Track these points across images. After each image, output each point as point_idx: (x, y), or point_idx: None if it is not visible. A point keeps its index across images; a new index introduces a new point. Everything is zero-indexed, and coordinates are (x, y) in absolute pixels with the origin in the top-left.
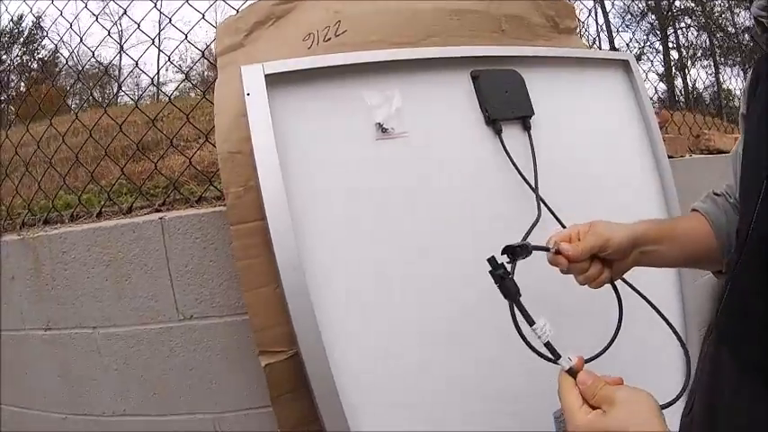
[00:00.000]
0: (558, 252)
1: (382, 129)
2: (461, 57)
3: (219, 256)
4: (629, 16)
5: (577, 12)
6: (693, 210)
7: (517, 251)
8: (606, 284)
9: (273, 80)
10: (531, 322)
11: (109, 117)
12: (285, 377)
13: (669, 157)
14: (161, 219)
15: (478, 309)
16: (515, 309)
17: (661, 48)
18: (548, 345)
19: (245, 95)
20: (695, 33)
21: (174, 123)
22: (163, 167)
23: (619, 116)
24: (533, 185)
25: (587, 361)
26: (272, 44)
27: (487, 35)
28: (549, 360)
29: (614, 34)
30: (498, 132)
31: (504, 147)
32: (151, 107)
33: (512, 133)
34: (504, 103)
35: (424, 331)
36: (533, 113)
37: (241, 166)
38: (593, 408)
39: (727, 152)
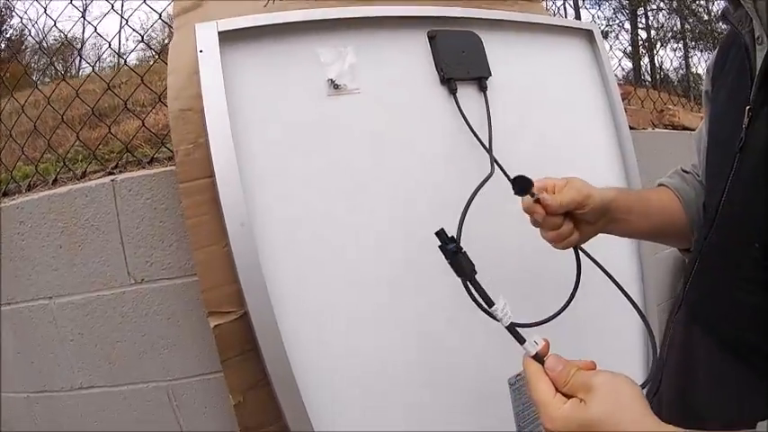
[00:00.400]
0: (537, 201)
1: (334, 85)
2: (418, 16)
3: (170, 217)
4: None
5: None
6: (661, 185)
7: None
8: (568, 251)
9: (227, 37)
10: (489, 303)
11: (69, 86)
12: (235, 339)
13: (631, 128)
14: (112, 181)
15: (428, 267)
16: (475, 289)
17: (629, 27)
18: (511, 328)
19: (198, 53)
20: (666, 16)
21: (132, 89)
22: (118, 132)
23: (580, 85)
24: (487, 145)
25: (540, 323)
26: (228, 4)
27: None
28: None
29: (581, 9)
30: (453, 92)
31: (458, 106)
32: (110, 75)
33: (467, 94)
34: (460, 64)
35: (376, 283)
36: (490, 75)
37: (191, 123)
38: (568, 397)
39: (693, 129)
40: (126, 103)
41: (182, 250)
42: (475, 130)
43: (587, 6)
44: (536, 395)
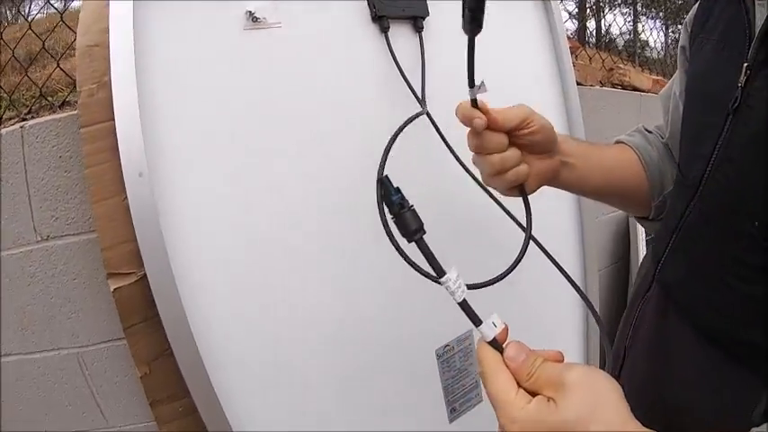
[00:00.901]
0: (475, 105)
1: (253, 18)
2: None
3: (74, 165)
4: None
5: None
6: (619, 142)
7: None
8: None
9: None
10: (440, 272)
11: None
12: (137, 303)
13: (578, 84)
14: (21, 127)
15: (354, 224)
16: (423, 254)
17: None
18: (464, 304)
19: None
20: None
21: (64, 35)
22: (43, 77)
23: (527, 35)
24: (419, 95)
25: (487, 284)
26: None
27: None
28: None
29: None
30: (384, 30)
31: (389, 45)
32: (42, 20)
33: (401, 33)
34: (395, 0)
35: (292, 241)
36: (427, 14)
37: (98, 60)
38: (532, 394)
39: (643, 91)
40: (44, 46)
41: (86, 203)
42: (407, 73)
43: None
44: (493, 390)
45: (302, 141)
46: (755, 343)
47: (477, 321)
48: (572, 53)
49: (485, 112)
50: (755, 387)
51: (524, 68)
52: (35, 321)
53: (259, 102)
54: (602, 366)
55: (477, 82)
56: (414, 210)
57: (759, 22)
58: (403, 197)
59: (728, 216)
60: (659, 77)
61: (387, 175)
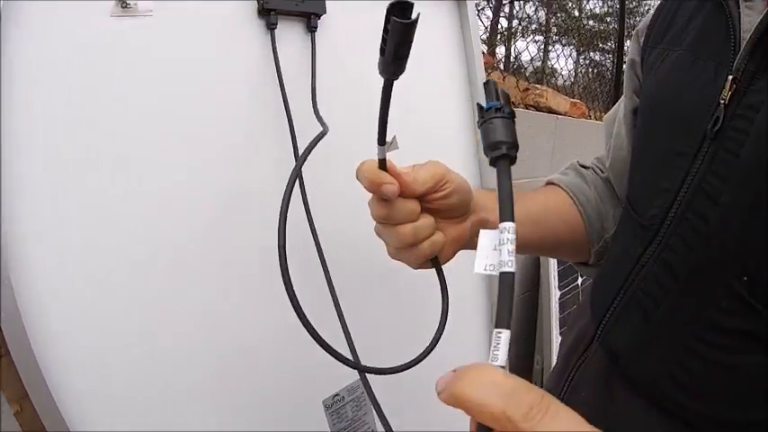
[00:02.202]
0: (383, 166)
1: (123, 3)
2: None
3: None
4: None
5: None
6: (550, 183)
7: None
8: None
9: None
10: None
11: None
12: None
13: None
14: None
15: (218, 241)
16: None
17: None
18: (506, 282)
19: None
20: (534, 8)
21: None
22: None
23: (438, 46)
24: (311, 99)
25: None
26: None
27: None
28: None
29: None
30: (271, 27)
31: (273, 46)
32: None
33: (292, 32)
34: None
35: (151, 259)
36: (324, 12)
37: None
38: None
39: (559, 113)
40: None
41: None
42: (295, 78)
43: None
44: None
45: (170, 146)
46: (751, 422)
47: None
48: (486, 69)
49: (395, 175)
50: None
51: (431, 82)
52: None
53: (116, 100)
54: None
55: (388, 138)
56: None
57: (747, 27)
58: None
59: (705, 269)
60: (577, 101)
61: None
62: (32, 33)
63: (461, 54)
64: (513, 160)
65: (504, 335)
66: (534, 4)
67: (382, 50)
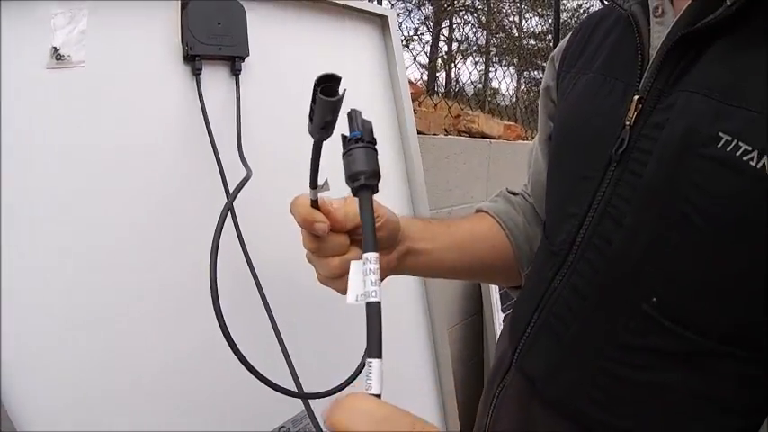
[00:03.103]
0: (315, 205)
1: (57, 55)
2: None
3: None
4: (404, 4)
5: None
6: (479, 210)
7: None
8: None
9: None
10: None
11: None
12: None
13: (420, 132)
14: None
15: (148, 292)
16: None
17: (430, 39)
18: (372, 311)
19: None
20: (473, 30)
21: None
22: None
23: (365, 78)
24: (236, 141)
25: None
26: None
27: None
28: None
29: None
30: (197, 73)
31: (198, 90)
32: None
33: (217, 76)
34: (212, 38)
35: (87, 315)
36: (247, 55)
37: None
38: None
39: (493, 137)
40: None
41: None
42: (221, 120)
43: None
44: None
45: (100, 200)
46: None
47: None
48: (414, 100)
49: (326, 212)
50: None
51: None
52: None
53: (54, 153)
54: None
55: (320, 181)
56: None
57: (656, 43)
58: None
59: (611, 291)
60: (511, 123)
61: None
62: None
63: (388, 84)
64: (374, 189)
65: (375, 363)
66: (474, 27)
67: (311, 118)
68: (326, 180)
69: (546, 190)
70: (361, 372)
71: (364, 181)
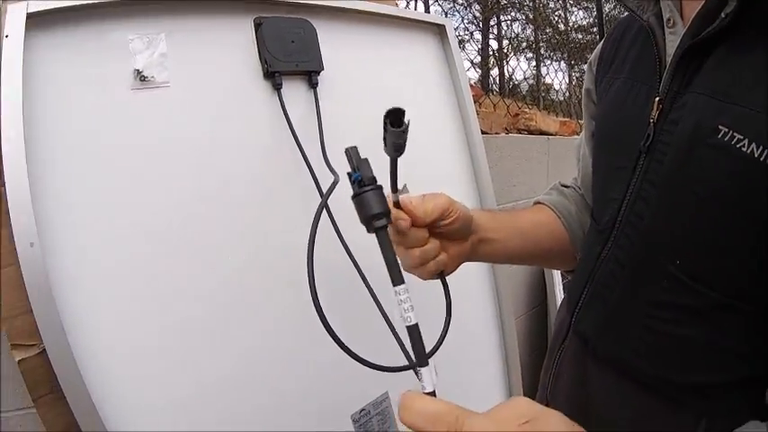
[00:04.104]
0: (397, 205)
1: (141, 77)
2: (244, 0)
3: None
4: (452, 5)
5: None
6: (537, 203)
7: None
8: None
9: (36, 21)
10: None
11: None
12: (44, 374)
13: (483, 132)
14: None
15: (248, 284)
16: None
17: (480, 38)
18: (413, 331)
19: (4, 38)
20: (522, 26)
21: None
22: None
23: (428, 85)
24: (320, 149)
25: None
26: None
27: None
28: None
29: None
30: (277, 88)
31: (281, 104)
32: None
33: (295, 89)
34: (288, 55)
35: (188, 306)
36: (322, 69)
37: None
38: None
39: (551, 134)
40: None
41: None
42: (303, 129)
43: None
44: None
45: (194, 207)
46: (691, 382)
47: (420, 362)
48: (475, 101)
49: (407, 211)
50: (688, 424)
51: (425, 120)
52: None
53: (147, 167)
54: None
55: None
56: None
57: (671, 51)
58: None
59: (647, 258)
60: (566, 119)
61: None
62: (59, 96)
63: (450, 89)
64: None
65: (424, 371)
66: (521, 23)
67: (385, 142)
68: (405, 185)
69: (591, 180)
70: (441, 344)
71: (384, 222)
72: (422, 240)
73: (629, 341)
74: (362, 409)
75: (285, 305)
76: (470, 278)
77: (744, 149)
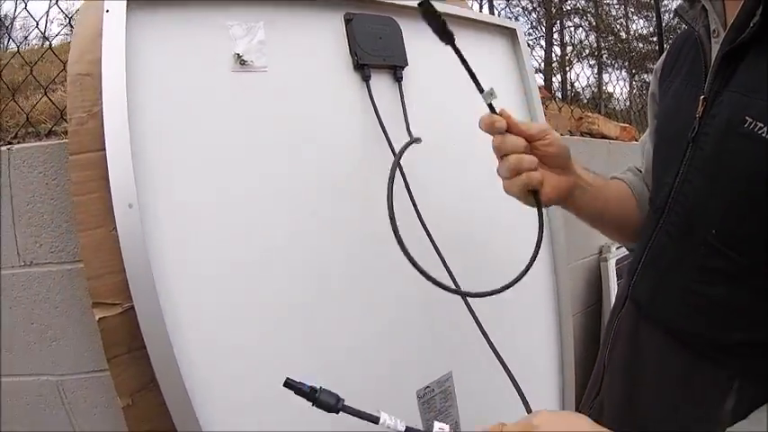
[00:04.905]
0: (493, 110)
1: (241, 61)
2: None
3: (61, 194)
4: (518, 9)
5: None
6: (614, 178)
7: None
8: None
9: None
10: (374, 419)
11: None
12: (122, 334)
13: None
14: (8, 149)
15: (332, 261)
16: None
17: (543, 43)
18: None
19: (105, 12)
20: (585, 33)
21: (53, 68)
22: (27, 106)
23: (500, 84)
24: (408, 136)
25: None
26: None
27: None
28: None
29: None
30: (366, 79)
31: (369, 93)
32: (33, 52)
33: (381, 82)
34: (375, 50)
35: (275, 279)
36: (406, 64)
37: (89, 89)
38: None
39: (612, 138)
40: (32, 74)
41: (70, 232)
42: (387, 120)
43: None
44: None
45: (285, 183)
46: (725, 340)
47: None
48: (542, 102)
49: (505, 117)
50: (723, 382)
51: None
52: (17, 344)
53: (245, 142)
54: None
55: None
56: (325, 390)
57: (714, 56)
58: (311, 389)
59: (689, 230)
60: (626, 125)
61: (288, 378)
62: (161, 76)
63: (520, 89)
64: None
65: None
66: (584, 30)
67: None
68: (492, 88)
69: (652, 171)
70: (518, 280)
71: None
72: (518, 147)
73: (674, 302)
74: (427, 386)
75: (364, 280)
76: (530, 275)
77: (764, 135)
